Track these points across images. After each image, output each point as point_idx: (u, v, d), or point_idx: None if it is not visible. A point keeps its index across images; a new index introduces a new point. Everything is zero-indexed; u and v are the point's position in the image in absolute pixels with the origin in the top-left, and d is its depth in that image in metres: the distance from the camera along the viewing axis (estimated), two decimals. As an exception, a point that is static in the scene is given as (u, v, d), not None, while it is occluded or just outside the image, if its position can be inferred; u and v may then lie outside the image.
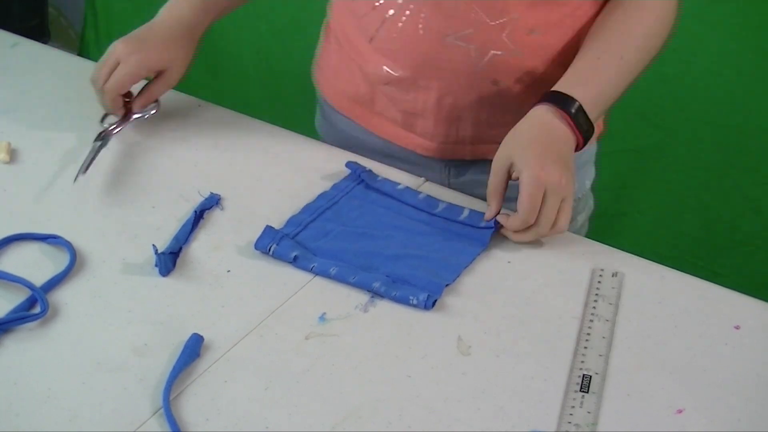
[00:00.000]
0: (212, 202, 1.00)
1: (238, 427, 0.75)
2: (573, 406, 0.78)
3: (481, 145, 1.09)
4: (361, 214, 0.99)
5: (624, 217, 1.88)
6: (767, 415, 0.78)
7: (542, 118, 0.95)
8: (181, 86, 1.23)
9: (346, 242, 0.94)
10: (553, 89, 0.96)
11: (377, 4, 1.03)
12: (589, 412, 0.77)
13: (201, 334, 0.83)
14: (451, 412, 0.77)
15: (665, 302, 0.89)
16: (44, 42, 2.39)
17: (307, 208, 0.99)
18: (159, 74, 1.11)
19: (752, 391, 0.80)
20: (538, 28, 1.00)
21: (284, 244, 0.92)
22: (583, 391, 0.79)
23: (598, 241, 0.98)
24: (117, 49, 1.07)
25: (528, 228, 0.92)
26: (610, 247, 0.96)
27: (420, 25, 1.01)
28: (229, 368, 0.81)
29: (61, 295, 0.88)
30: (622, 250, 0.96)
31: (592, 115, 0.95)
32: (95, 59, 1.13)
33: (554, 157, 0.92)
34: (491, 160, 0.96)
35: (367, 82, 1.10)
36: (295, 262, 0.91)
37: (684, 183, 1.80)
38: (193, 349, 0.81)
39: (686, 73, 1.71)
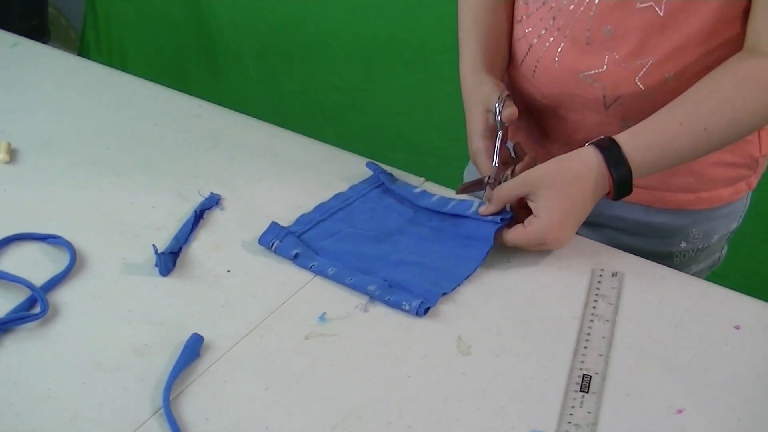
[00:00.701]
0: (212, 202, 1.00)
1: (238, 427, 0.75)
2: (573, 406, 0.78)
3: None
4: (373, 218, 0.99)
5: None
6: (767, 415, 0.78)
7: (586, 167, 0.92)
8: (181, 86, 1.23)
9: (352, 244, 0.94)
10: (617, 141, 0.92)
11: (527, 31, 1.04)
12: (589, 412, 0.77)
13: (201, 334, 0.83)
14: (451, 412, 0.77)
15: (665, 302, 0.89)
16: (44, 42, 2.39)
17: (319, 208, 0.99)
18: None
19: (752, 391, 0.80)
20: (676, 75, 0.96)
21: (287, 241, 0.93)
22: (583, 391, 0.79)
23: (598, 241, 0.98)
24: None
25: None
26: (611, 248, 0.96)
27: (556, 59, 1.01)
28: (229, 368, 0.81)
29: (61, 295, 0.88)
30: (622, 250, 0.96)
31: (639, 177, 0.92)
32: (95, 59, 1.14)
33: (573, 222, 0.92)
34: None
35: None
36: (295, 259, 0.91)
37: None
38: (193, 349, 0.81)
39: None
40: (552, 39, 1.01)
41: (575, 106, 1.03)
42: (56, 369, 0.80)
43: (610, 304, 0.89)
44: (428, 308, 0.87)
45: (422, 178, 1.06)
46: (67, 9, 2.68)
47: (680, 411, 0.78)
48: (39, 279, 0.88)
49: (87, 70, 1.26)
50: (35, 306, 0.86)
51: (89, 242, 0.94)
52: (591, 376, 0.81)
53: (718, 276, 1.13)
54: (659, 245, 1.08)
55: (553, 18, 1.00)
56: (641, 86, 0.97)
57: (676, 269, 0.96)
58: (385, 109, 2.14)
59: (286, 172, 1.06)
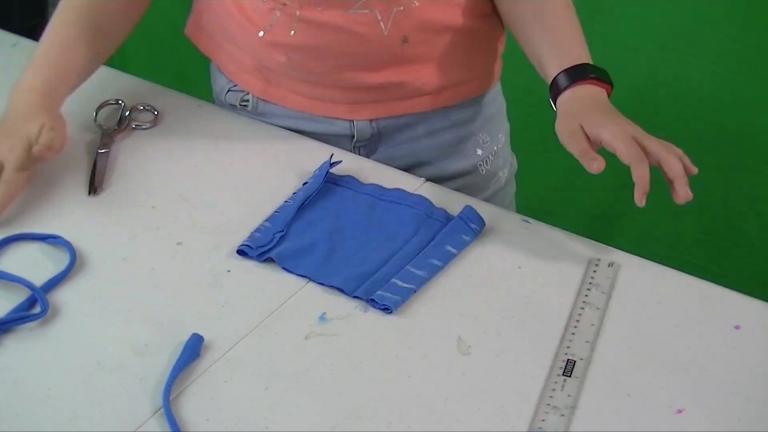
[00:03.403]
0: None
1: (238, 427, 0.75)
2: (554, 389, 0.78)
3: (405, 101, 1.11)
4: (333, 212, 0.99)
5: (624, 217, 1.88)
6: (767, 415, 0.78)
7: (579, 93, 0.96)
8: (181, 86, 1.23)
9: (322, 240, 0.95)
10: (564, 67, 0.97)
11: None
12: (569, 396, 0.78)
13: (201, 334, 0.83)
14: (451, 412, 0.77)
15: (665, 302, 0.89)
16: (44, 42, 2.39)
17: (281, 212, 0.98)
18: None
19: (752, 391, 0.80)
20: None
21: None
22: (565, 375, 0.80)
23: (598, 241, 0.98)
24: None
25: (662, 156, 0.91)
26: (613, 248, 0.96)
27: (319, 8, 1.01)
28: (229, 368, 0.81)
29: (61, 295, 0.88)
30: (622, 250, 0.96)
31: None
32: (95, 59, 1.13)
33: (614, 114, 0.94)
34: (417, 113, 1.06)
35: (272, 71, 1.10)
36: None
37: (684, 183, 1.80)
38: (193, 349, 0.81)
39: (686, 73, 1.71)
40: None
41: (347, 45, 1.03)
42: (56, 369, 0.80)
43: (603, 293, 0.89)
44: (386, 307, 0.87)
45: (422, 179, 1.06)
46: (67, 9, 2.67)
47: (680, 411, 0.78)
48: (39, 279, 0.88)
49: (87, 70, 1.26)
50: (35, 306, 0.86)
51: (89, 242, 0.94)
52: (575, 361, 0.81)
53: (718, 276, 1.13)
54: (461, 160, 1.17)
55: None
56: None
57: (486, 182, 1.16)
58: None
59: (286, 173, 1.06)
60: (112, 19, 1.09)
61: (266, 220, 0.96)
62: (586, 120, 0.93)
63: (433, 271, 0.91)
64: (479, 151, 1.18)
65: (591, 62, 0.98)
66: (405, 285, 0.88)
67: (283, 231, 0.95)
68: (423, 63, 1.08)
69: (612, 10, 1.73)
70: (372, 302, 0.87)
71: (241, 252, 0.93)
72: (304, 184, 1.01)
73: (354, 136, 1.13)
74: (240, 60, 1.13)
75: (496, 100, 1.20)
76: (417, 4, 1.02)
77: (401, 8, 1.02)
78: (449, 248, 0.93)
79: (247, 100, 1.16)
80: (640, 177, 0.88)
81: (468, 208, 0.97)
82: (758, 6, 1.62)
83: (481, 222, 0.96)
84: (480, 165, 1.18)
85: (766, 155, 1.71)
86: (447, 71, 1.10)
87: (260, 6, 1.05)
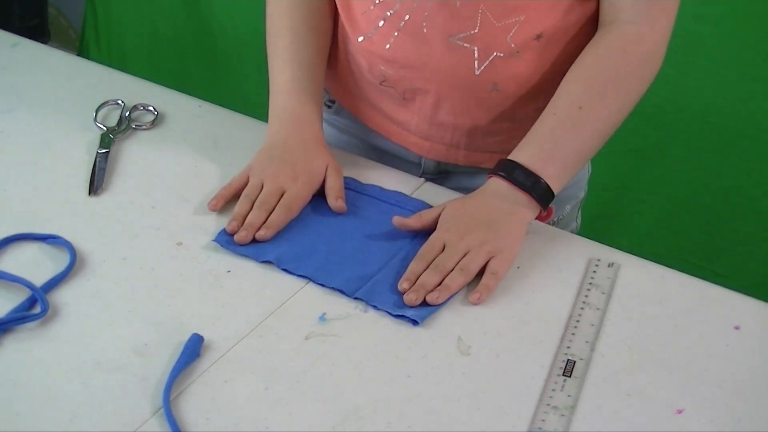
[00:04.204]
0: None
1: (238, 427, 0.75)
2: (554, 389, 0.78)
3: (475, 153, 1.08)
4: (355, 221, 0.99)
5: (624, 217, 1.88)
6: (767, 415, 0.78)
7: (494, 197, 0.94)
8: (181, 86, 1.23)
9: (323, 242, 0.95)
10: (513, 160, 0.94)
11: (378, 1, 1.01)
12: (569, 396, 0.78)
13: (201, 334, 0.83)
14: (451, 412, 0.77)
15: (665, 302, 0.89)
16: (44, 42, 2.39)
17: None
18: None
19: (752, 391, 0.80)
20: (545, 33, 0.97)
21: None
22: (565, 375, 0.80)
23: (598, 241, 0.98)
24: (273, 172, 0.99)
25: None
26: (613, 248, 0.96)
27: (424, 24, 0.98)
28: (229, 368, 0.81)
29: (61, 295, 0.88)
30: (622, 250, 0.96)
31: (555, 179, 0.93)
32: (95, 59, 1.14)
33: (478, 230, 0.91)
34: (483, 168, 0.97)
35: (359, 80, 1.09)
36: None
37: (684, 183, 1.80)
38: (193, 349, 0.81)
39: (686, 73, 1.71)
40: (416, 5, 0.97)
41: (441, 76, 1.00)
42: (56, 369, 0.80)
43: (603, 293, 0.89)
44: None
45: (422, 179, 1.06)
46: (67, 9, 2.67)
47: (680, 411, 0.78)
48: (39, 279, 0.88)
49: (87, 70, 1.26)
50: (35, 306, 0.86)
51: (89, 242, 0.94)
52: (575, 362, 0.81)
53: (718, 276, 1.14)
54: None
55: None
56: (514, 47, 0.97)
57: None
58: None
59: (286, 172, 1.06)
60: (324, 18, 1.08)
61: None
62: (452, 226, 0.92)
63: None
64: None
65: (553, 178, 0.93)
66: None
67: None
68: (506, 121, 1.04)
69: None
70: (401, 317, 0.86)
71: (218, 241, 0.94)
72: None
73: (422, 166, 1.12)
74: (333, 60, 1.12)
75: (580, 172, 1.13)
76: (514, 52, 0.98)
77: (501, 54, 0.98)
78: None
79: (333, 101, 1.15)
80: (412, 273, 0.90)
81: None
82: (758, 6, 1.62)
83: None
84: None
85: (766, 155, 1.71)
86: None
87: (369, 10, 1.01)
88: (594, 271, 0.92)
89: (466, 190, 1.00)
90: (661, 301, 0.89)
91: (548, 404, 0.78)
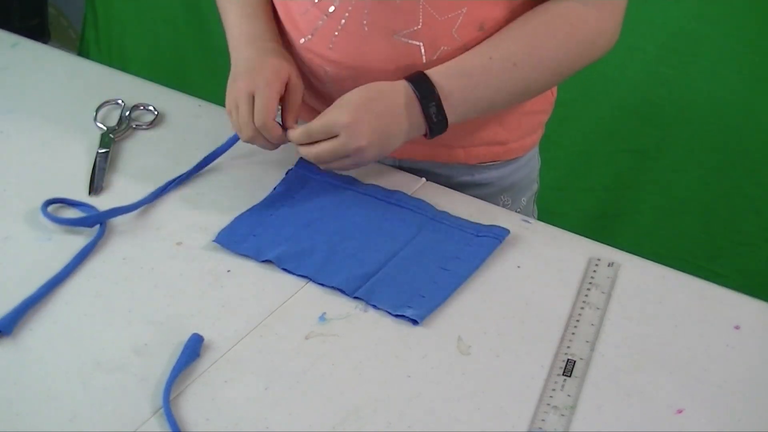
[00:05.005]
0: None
1: (238, 427, 0.75)
2: (554, 389, 0.78)
3: (434, 146, 1.07)
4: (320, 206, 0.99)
5: (624, 217, 1.88)
6: (767, 415, 0.78)
7: (397, 93, 0.94)
8: (181, 86, 1.23)
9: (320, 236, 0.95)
10: (426, 73, 0.94)
11: (316, 1, 0.99)
12: (569, 396, 0.78)
13: (201, 334, 0.83)
14: (451, 412, 0.77)
15: (665, 302, 0.89)
16: (44, 42, 2.39)
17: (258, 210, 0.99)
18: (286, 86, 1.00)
19: (752, 391, 0.80)
20: (486, 23, 0.97)
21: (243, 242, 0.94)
22: (565, 375, 0.80)
23: (598, 241, 0.98)
24: (238, 86, 0.98)
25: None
26: (613, 248, 0.96)
27: (364, 22, 0.97)
28: (229, 368, 0.81)
29: (62, 295, 0.88)
30: (622, 250, 0.96)
31: (454, 114, 0.94)
32: (95, 59, 1.13)
33: (376, 126, 0.92)
34: (439, 162, 1.01)
35: (306, 85, 1.07)
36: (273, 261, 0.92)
37: (684, 183, 1.80)
38: (193, 349, 0.81)
39: (686, 73, 1.71)
40: (355, 2, 0.96)
41: (385, 73, 0.99)
42: (56, 369, 0.80)
43: (603, 292, 0.89)
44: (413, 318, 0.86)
45: (423, 179, 1.06)
46: (67, 9, 2.68)
47: (680, 411, 0.78)
48: (39, 278, 0.88)
49: (87, 70, 1.26)
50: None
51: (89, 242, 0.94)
52: (575, 361, 0.81)
53: (718, 276, 1.14)
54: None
55: None
56: (459, 39, 0.97)
57: None
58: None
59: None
60: None
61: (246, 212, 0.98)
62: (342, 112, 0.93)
63: (460, 283, 0.91)
64: None
65: (454, 102, 0.94)
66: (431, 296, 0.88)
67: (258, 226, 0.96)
68: None
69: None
70: (400, 316, 0.86)
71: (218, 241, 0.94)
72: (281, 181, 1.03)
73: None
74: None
75: (528, 164, 1.16)
76: (460, 46, 0.97)
77: (447, 48, 0.97)
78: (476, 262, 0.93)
79: None
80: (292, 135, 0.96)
81: (501, 231, 0.96)
82: (758, 6, 1.62)
83: (507, 232, 0.96)
84: None
85: (766, 155, 1.72)
86: (480, 128, 1.06)
87: (308, 11, 1.00)
88: (594, 271, 0.92)
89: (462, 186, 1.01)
90: (661, 301, 0.89)
91: (548, 404, 0.78)
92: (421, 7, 0.95)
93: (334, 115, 0.93)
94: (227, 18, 1.06)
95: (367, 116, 0.93)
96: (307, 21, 1.01)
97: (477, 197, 1.04)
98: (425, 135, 0.96)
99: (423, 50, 0.97)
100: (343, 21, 0.98)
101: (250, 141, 0.99)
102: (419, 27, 0.96)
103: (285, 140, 0.98)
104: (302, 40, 1.02)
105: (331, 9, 0.98)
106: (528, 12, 0.97)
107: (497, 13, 0.97)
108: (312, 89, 1.08)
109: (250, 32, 1.03)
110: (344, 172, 1.02)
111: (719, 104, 1.71)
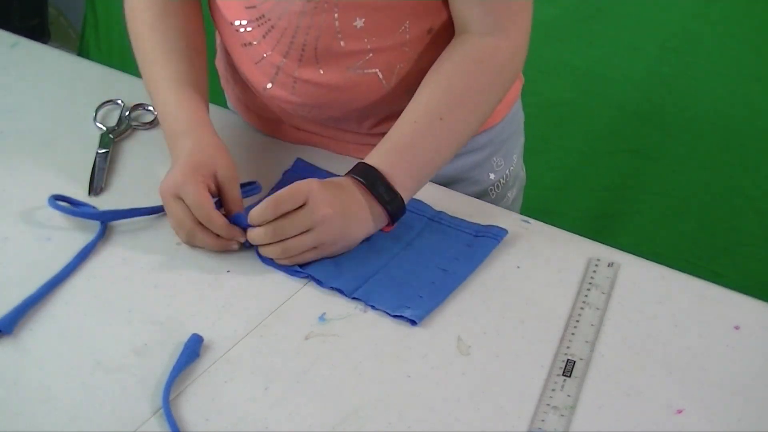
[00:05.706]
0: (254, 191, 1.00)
1: (238, 427, 0.75)
2: (554, 389, 0.78)
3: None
4: None
5: (624, 217, 1.88)
6: (767, 415, 0.78)
7: (349, 189, 0.91)
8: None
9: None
10: (375, 168, 0.91)
11: (265, 55, 1.00)
12: (569, 396, 0.78)
13: (201, 334, 0.83)
14: (451, 412, 0.77)
15: (665, 302, 0.89)
16: (44, 42, 2.39)
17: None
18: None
19: (752, 391, 0.80)
20: (433, 26, 0.97)
21: None
22: (565, 375, 0.79)
23: (598, 241, 0.98)
24: (161, 188, 0.92)
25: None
26: (613, 248, 0.96)
27: (318, 67, 0.98)
28: (229, 368, 0.81)
29: (62, 295, 0.88)
30: (622, 250, 0.96)
31: (404, 187, 0.92)
32: (95, 59, 1.13)
33: (342, 210, 0.89)
34: None
35: (282, 116, 1.08)
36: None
37: (684, 183, 1.80)
38: (193, 349, 0.81)
39: (686, 73, 1.71)
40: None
41: (352, 102, 1.00)
42: (56, 369, 0.80)
43: (603, 293, 0.89)
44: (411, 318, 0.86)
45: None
46: (67, 9, 2.68)
47: (680, 411, 0.78)
48: (39, 278, 0.88)
49: (87, 70, 1.26)
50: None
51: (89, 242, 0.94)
52: (575, 362, 0.81)
53: (718, 276, 1.14)
54: (472, 185, 1.12)
55: (293, 36, 0.97)
56: (411, 52, 0.98)
57: (494, 204, 1.06)
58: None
59: (286, 172, 1.06)
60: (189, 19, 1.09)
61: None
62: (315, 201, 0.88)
63: (458, 283, 0.91)
64: (492, 176, 1.13)
65: (400, 182, 0.92)
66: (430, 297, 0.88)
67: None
68: None
69: (612, 10, 1.73)
70: (399, 317, 0.86)
71: None
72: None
73: None
74: (251, 103, 1.12)
75: (514, 118, 1.16)
76: (414, 56, 0.99)
77: (402, 65, 0.99)
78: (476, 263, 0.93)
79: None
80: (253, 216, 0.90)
81: (500, 231, 0.96)
82: (758, 6, 1.62)
83: (505, 232, 0.96)
84: (491, 189, 1.14)
85: (766, 155, 1.72)
86: None
87: (261, 61, 1.02)
88: (594, 271, 0.92)
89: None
90: (661, 301, 0.89)
91: (548, 404, 0.78)
92: (365, 40, 0.96)
93: (303, 185, 0.89)
94: (156, 98, 1.02)
95: (338, 203, 0.89)
96: (263, 71, 1.03)
97: (473, 168, 1.08)
98: (389, 224, 0.94)
99: (381, 75, 0.99)
100: (296, 72, 1.00)
101: (190, 240, 0.92)
102: (371, 56, 0.97)
103: (235, 234, 0.92)
104: (263, 88, 1.04)
105: (281, 63, 1.00)
106: (436, 61, 0.96)
107: (443, 16, 0.98)
108: (286, 114, 1.08)
109: (179, 118, 0.99)
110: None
111: (719, 104, 1.71)
